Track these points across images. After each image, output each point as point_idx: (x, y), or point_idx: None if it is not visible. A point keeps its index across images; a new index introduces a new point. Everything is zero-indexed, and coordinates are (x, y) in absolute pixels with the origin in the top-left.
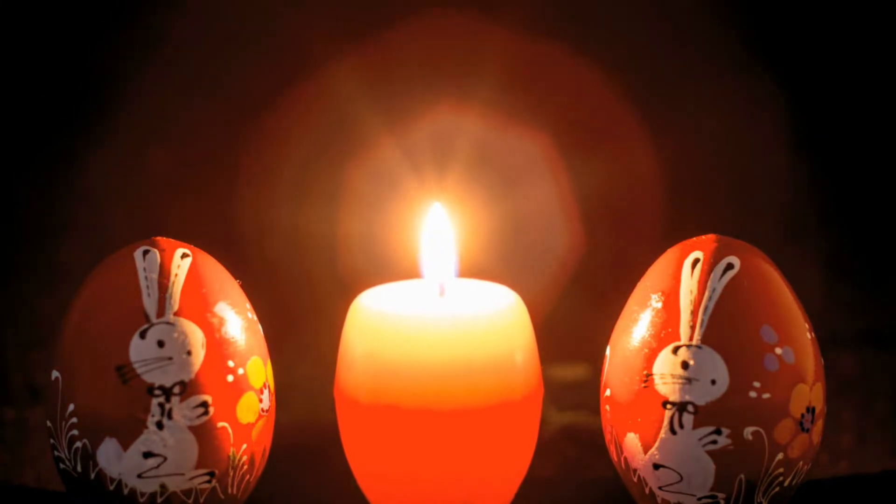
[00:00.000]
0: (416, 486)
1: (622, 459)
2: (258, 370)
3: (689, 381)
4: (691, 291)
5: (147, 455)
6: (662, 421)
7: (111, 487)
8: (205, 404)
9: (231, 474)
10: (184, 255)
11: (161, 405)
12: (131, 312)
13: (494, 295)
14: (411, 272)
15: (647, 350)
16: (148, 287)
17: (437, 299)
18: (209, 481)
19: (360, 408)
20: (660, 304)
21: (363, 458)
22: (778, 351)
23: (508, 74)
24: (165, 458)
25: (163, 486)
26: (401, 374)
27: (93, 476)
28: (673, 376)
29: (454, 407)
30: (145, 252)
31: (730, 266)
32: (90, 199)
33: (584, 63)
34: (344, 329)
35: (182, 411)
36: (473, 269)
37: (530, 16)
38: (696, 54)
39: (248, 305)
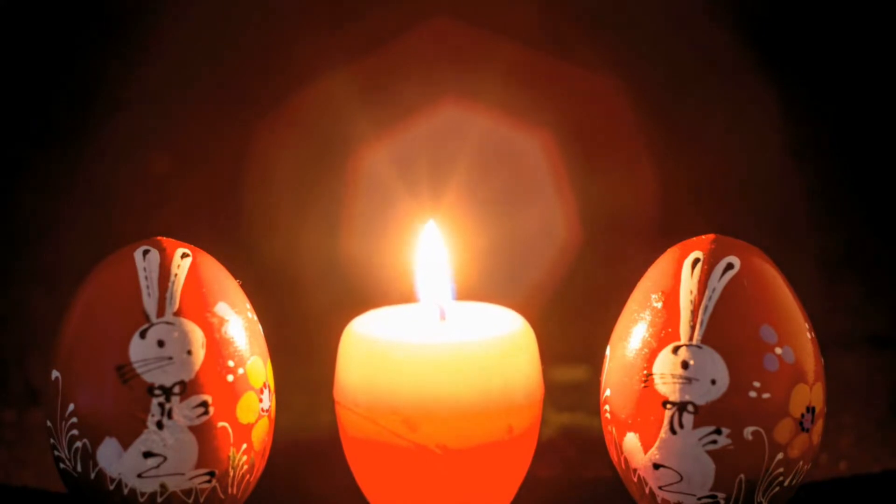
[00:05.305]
0: (416, 489)
1: (622, 459)
2: (258, 370)
3: (689, 380)
4: (691, 291)
5: (147, 455)
6: (662, 421)
7: (111, 487)
8: (205, 404)
9: (231, 474)
10: (184, 255)
11: (161, 405)
12: (131, 312)
13: (498, 321)
14: (409, 279)
15: (647, 350)
16: (148, 287)
17: (439, 325)
18: (209, 481)
19: (358, 418)
20: (660, 304)
21: (364, 464)
22: (778, 351)
23: (508, 79)
24: (165, 458)
25: (163, 486)
26: (402, 403)
27: (93, 476)
28: (673, 376)
29: (456, 434)
30: (145, 252)
31: (730, 266)
32: (90, 199)
33: (582, 69)
34: (339, 353)
35: (182, 411)
36: (471, 271)
37: (527, 26)
38: (696, 57)
39: (248, 305)
